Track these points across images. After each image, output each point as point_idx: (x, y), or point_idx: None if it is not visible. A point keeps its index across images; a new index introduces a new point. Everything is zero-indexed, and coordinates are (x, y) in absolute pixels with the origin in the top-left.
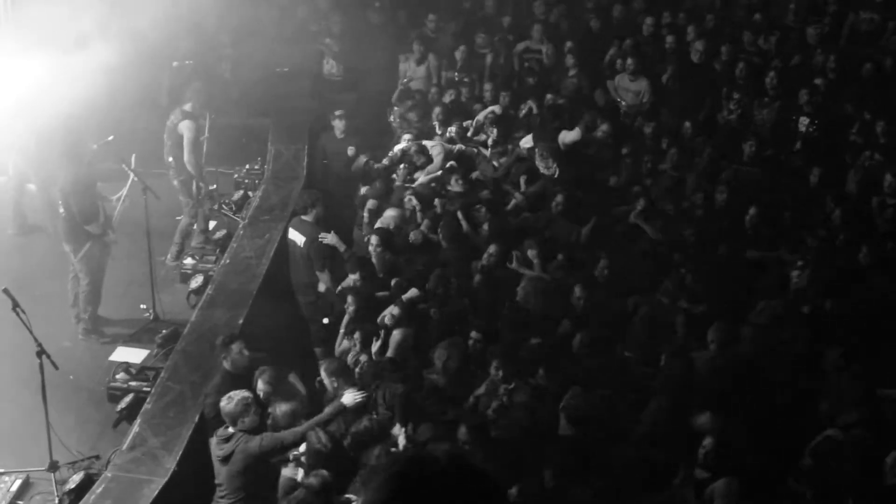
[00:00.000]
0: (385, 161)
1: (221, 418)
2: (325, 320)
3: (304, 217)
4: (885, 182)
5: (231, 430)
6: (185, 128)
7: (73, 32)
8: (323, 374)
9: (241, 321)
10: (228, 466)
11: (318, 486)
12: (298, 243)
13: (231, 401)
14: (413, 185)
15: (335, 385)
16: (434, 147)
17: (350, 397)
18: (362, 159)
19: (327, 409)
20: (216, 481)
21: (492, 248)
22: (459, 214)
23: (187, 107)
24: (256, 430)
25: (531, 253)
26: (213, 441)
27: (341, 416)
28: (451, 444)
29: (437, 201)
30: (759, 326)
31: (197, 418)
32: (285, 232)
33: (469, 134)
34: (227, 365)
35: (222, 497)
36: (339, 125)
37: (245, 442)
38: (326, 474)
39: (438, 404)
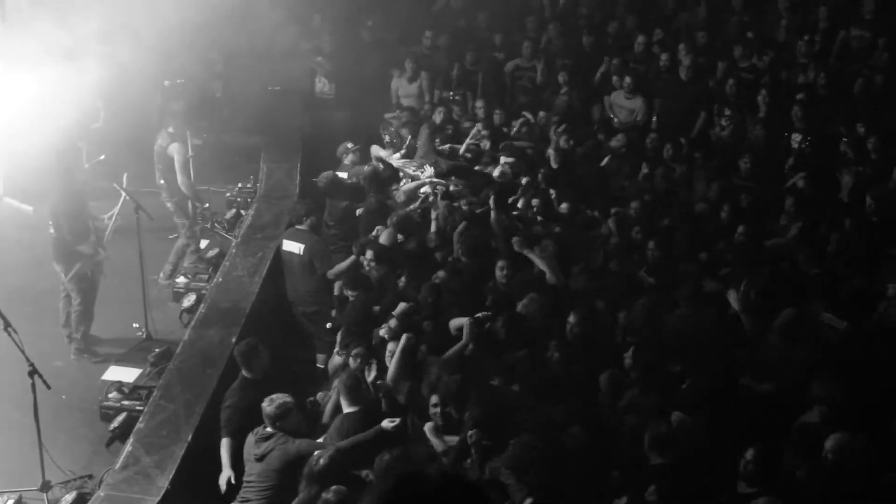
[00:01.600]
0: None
1: (237, 425)
2: (329, 325)
3: (299, 227)
4: (867, 203)
5: (270, 429)
6: (175, 150)
7: (64, 49)
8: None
9: (233, 340)
10: (263, 464)
11: (335, 501)
12: (296, 252)
13: (272, 403)
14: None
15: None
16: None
17: (389, 423)
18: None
19: (370, 431)
20: (245, 479)
21: (501, 263)
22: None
23: (171, 129)
24: (297, 434)
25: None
26: (251, 439)
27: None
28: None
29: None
30: None
31: (190, 437)
32: (279, 247)
33: (461, 151)
34: (245, 372)
35: (249, 493)
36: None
37: (283, 443)
38: (344, 490)
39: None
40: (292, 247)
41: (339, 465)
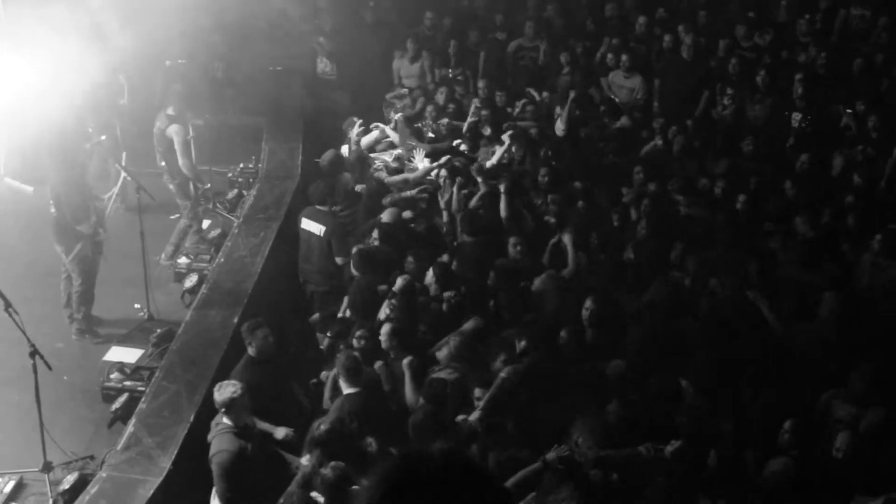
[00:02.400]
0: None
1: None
2: (317, 315)
3: (320, 207)
4: (854, 181)
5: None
6: (174, 132)
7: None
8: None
9: (235, 320)
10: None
11: (333, 478)
12: (316, 232)
13: (220, 390)
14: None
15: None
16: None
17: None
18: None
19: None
20: None
21: (514, 240)
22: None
23: (170, 110)
24: (242, 429)
25: (567, 239)
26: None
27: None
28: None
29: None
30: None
31: (192, 418)
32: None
33: (464, 130)
34: (251, 351)
35: None
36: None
37: (217, 435)
38: (342, 465)
39: None
40: (311, 226)
41: (339, 433)
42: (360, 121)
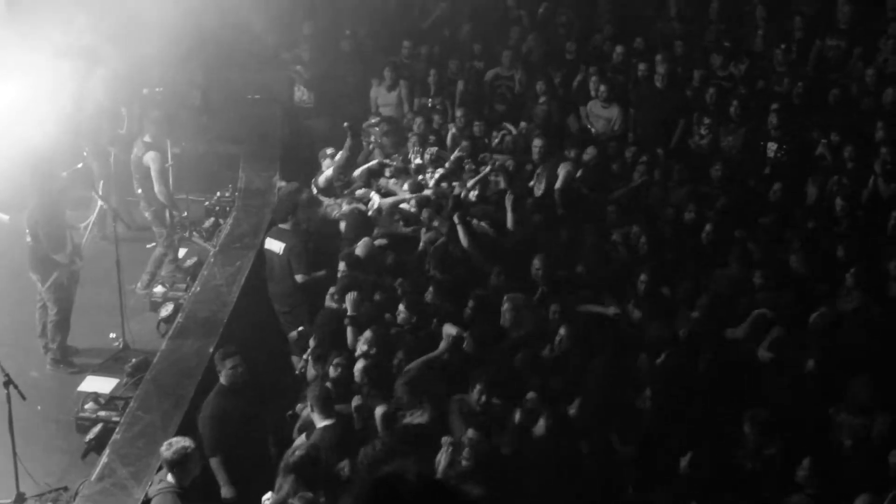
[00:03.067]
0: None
1: (218, 439)
2: (301, 329)
3: (282, 225)
4: (837, 206)
5: (165, 473)
6: (150, 159)
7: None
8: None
9: (211, 350)
10: None
11: None
12: (277, 251)
13: (170, 447)
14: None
15: (313, 413)
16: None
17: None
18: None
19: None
20: None
21: (496, 270)
22: (460, 225)
23: (147, 137)
24: (192, 484)
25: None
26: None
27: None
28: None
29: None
30: None
31: None
32: (262, 245)
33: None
34: (222, 379)
35: None
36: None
37: (163, 497)
38: (311, 496)
39: None
40: (273, 245)
41: (313, 460)
42: (332, 150)
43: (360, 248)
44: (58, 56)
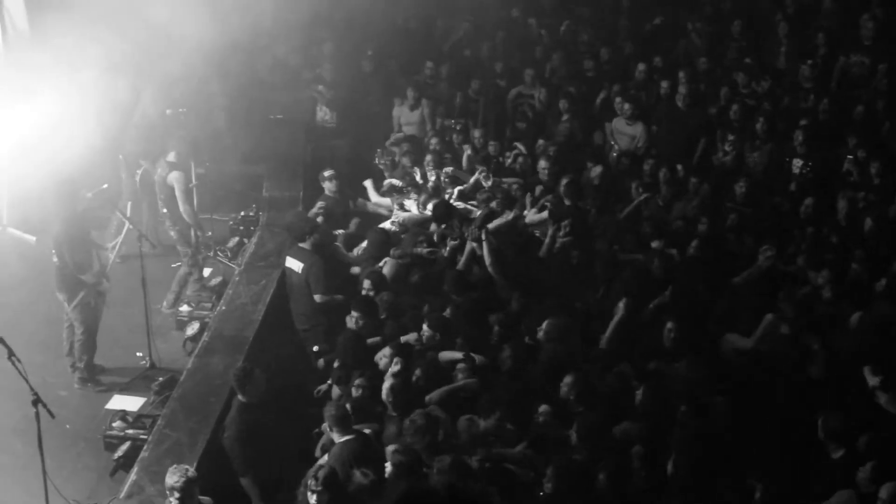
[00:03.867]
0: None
1: (247, 458)
2: (316, 348)
3: (302, 245)
4: (866, 226)
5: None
6: (175, 179)
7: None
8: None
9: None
10: None
11: None
12: (296, 270)
13: (174, 474)
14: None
15: (332, 432)
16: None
17: None
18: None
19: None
20: None
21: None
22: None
23: (171, 157)
24: None
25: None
26: None
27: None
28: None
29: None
30: None
31: (195, 464)
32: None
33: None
34: (241, 397)
35: None
36: (329, 186)
37: None
38: None
39: None
40: (293, 264)
41: (336, 477)
42: (333, 174)
43: (387, 268)
44: (91, 72)
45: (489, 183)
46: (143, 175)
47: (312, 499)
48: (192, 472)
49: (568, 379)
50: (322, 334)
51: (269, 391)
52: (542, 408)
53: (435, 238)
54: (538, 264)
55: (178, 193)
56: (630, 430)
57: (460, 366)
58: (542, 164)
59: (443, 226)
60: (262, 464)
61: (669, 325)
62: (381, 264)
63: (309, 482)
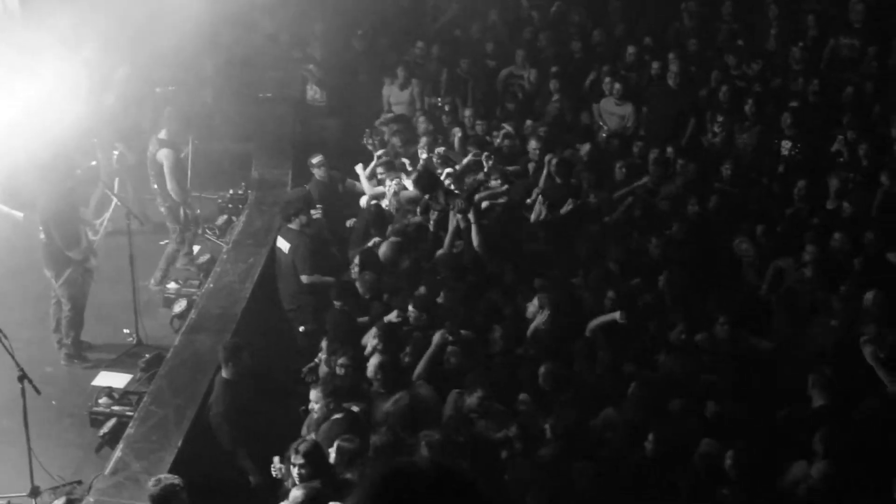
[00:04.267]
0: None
1: (235, 433)
2: (302, 328)
3: (290, 225)
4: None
5: None
6: (164, 156)
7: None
8: (313, 396)
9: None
10: None
11: (303, 499)
12: (284, 251)
13: (158, 484)
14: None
15: (329, 407)
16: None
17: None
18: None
19: None
20: None
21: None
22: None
23: (162, 134)
24: None
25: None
26: None
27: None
28: None
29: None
30: None
31: (180, 443)
32: (275, 242)
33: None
34: (225, 374)
35: None
36: (319, 172)
37: None
38: (317, 485)
39: None
40: (282, 244)
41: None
42: (322, 160)
43: (383, 249)
44: (73, 53)
45: (489, 164)
46: (120, 157)
47: (294, 472)
48: (180, 482)
49: (543, 369)
50: (309, 314)
51: (253, 368)
52: (522, 396)
53: (419, 210)
54: (526, 238)
55: (166, 170)
56: (611, 417)
57: (451, 349)
58: (533, 144)
59: (426, 196)
60: (250, 440)
61: (680, 327)
62: (370, 243)
63: (291, 455)
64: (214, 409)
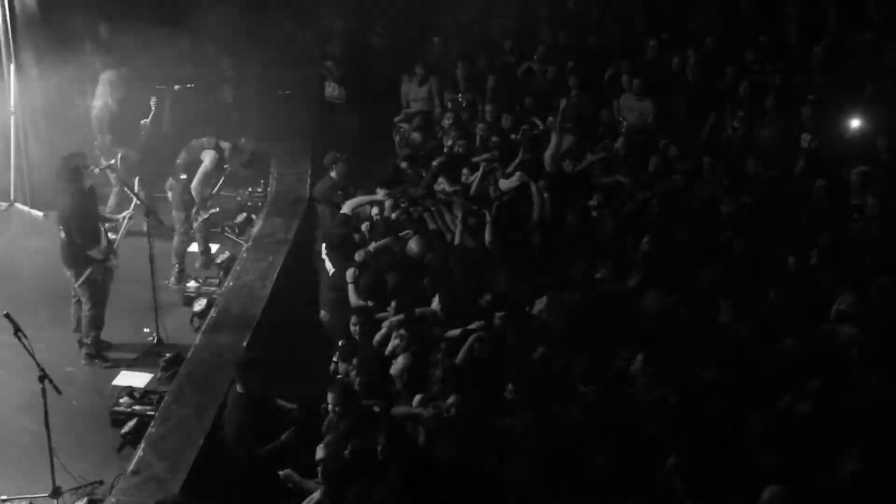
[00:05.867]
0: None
1: (247, 444)
2: (323, 313)
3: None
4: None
5: None
6: (207, 157)
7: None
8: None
9: (244, 344)
10: None
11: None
12: (328, 269)
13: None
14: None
15: (336, 409)
16: None
17: None
18: None
19: None
20: None
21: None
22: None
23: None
24: None
25: None
26: None
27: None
28: None
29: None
30: None
31: (202, 442)
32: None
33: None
34: (240, 388)
35: None
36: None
37: None
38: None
39: None
40: (328, 263)
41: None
42: (342, 156)
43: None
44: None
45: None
46: (123, 159)
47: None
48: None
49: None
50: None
51: (271, 377)
52: (510, 387)
53: (385, 206)
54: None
55: (201, 170)
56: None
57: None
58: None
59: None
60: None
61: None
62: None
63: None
64: (227, 427)
